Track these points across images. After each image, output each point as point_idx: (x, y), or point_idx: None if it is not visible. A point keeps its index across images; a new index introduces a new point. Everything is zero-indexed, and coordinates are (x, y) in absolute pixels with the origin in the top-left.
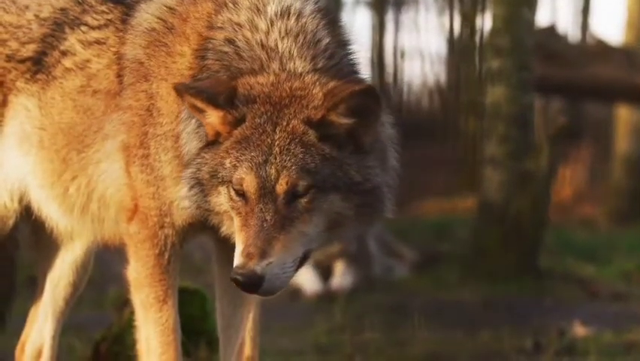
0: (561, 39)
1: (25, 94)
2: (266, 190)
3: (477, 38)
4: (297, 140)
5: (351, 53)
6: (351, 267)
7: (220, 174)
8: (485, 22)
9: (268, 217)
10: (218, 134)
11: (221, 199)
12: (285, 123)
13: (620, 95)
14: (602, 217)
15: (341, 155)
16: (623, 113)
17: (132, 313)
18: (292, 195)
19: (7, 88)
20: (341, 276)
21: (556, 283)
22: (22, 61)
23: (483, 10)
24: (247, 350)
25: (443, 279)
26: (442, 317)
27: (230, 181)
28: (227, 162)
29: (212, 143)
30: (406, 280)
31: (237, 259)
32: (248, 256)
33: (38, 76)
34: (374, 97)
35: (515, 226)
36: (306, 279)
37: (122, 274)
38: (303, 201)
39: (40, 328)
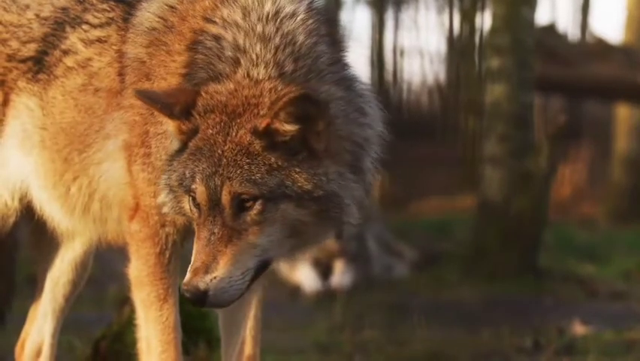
0: (561, 38)
1: (27, 93)
2: (214, 202)
3: (477, 37)
4: (243, 151)
5: (336, 52)
6: (351, 266)
7: (184, 183)
8: (485, 21)
9: (216, 230)
10: (182, 142)
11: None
12: (234, 134)
13: (619, 94)
14: (601, 216)
15: (289, 163)
16: (623, 112)
17: (132, 311)
18: (239, 206)
19: (9, 87)
20: (341, 275)
21: (556, 282)
22: (24, 60)
23: (483, 9)
24: (248, 348)
25: (443, 278)
26: (441, 316)
27: (189, 191)
28: (187, 173)
29: (180, 150)
30: (406, 279)
31: (187, 274)
32: (194, 271)
33: (40, 75)
34: (311, 102)
35: (515, 225)
36: (306, 278)
37: (122, 273)
38: (252, 213)
39: (39, 326)
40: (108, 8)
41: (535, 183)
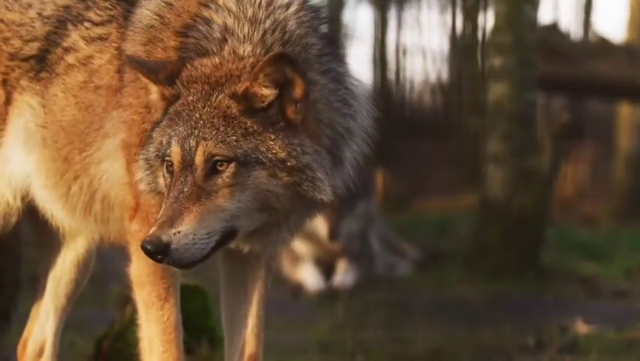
0: (563, 36)
1: (29, 92)
2: (186, 163)
3: (479, 36)
4: (220, 114)
5: (327, 47)
6: (354, 264)
7: (161, 152)
8: (487, 19)
9: (186, 189)
10: (163, 109)
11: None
12: (213, 99)
13: (622, 92)
14: (604, 215)
15: (265, 130)
16: (625, 111)
17: (134, 310)
18: (211, 168)
19: (11, 86)
20: (343, 273)
21: (558, 280)
22: (26, 59)
23: (485, 8)
24: (251, 347)
25: (445, 276)
26: (443, 314)
27: (164, 157)
28: (164, 140)
29: (160, 120)
30: (408, 278)
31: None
32: (159, 225)
33: (42, 74)
34: (288, 62)
35: (517, 223)
36: (309, 276)
37: (124, 272)
38: (224, 175)
39: (42, 325)
40: (110, 6)
41: (538, 182)
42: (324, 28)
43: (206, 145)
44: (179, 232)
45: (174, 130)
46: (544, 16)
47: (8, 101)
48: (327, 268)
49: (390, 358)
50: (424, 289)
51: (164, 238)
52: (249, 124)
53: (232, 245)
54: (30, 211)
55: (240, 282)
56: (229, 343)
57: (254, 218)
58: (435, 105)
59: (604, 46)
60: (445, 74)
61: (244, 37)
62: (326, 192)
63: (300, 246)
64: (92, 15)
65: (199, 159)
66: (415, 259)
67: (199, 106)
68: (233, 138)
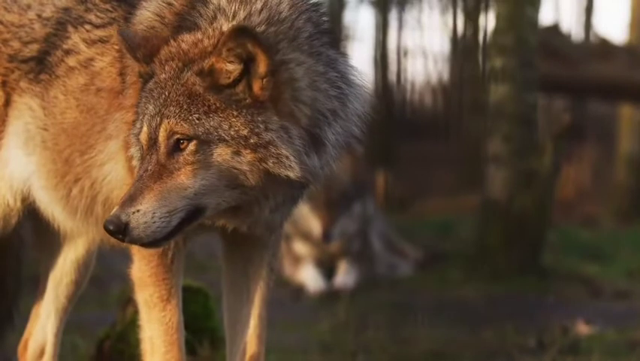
0: (564, 38)
1: (29, 94)
2: (152, 141)
3: (480, 37)
4: (186, 92)
5: (321, 34)
6: (355, 265)
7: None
8: (489, 20)
9: (149, 167)
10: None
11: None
12: (182, 76)
13: (623, 93)
14: (605, 216)
15: (228, 107)
16: (626, 112)
17: (135, 311)
18: (174, 146)
19: (11, 88)
20: (345, 274)
21: (560, 281)
22: (25, 61)
23: (486, 9)
24: (252, 347)
25: (447, 277)
26: (445, 315)
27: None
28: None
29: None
30: (410, 279)
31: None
32: (121, 204)
33: (41, 76)
34: (249, 36)
35: (519, 224)
36: (310, 277)
37: (125, 273)
38: (185, 153)
39: (42, 326)
40: (110, 8)
41: (539, 183)
42: (320, 18)
43: (168, 123)
44: (137, 211)
45: (147, 108)
46: (546, 17)
47: (8, 103)
48: (328, 269)
49: (392, 358)
50: (425, 289)
51: (123, 217)
52: (212, 101)
53: (218, 223)
54: (31, 212)
55: (242, 283)
56: (231, 343)
57: (224, 196)
58: (436, 106)
59: (605, 47)
60: (446, 75)
61: (231, 14)
62: (292, 169)
63: (300, 247)
64: (92, 17)
65: (161, 136)
66: (417, 260)
67: (169, 84)
68: (196, 115)
